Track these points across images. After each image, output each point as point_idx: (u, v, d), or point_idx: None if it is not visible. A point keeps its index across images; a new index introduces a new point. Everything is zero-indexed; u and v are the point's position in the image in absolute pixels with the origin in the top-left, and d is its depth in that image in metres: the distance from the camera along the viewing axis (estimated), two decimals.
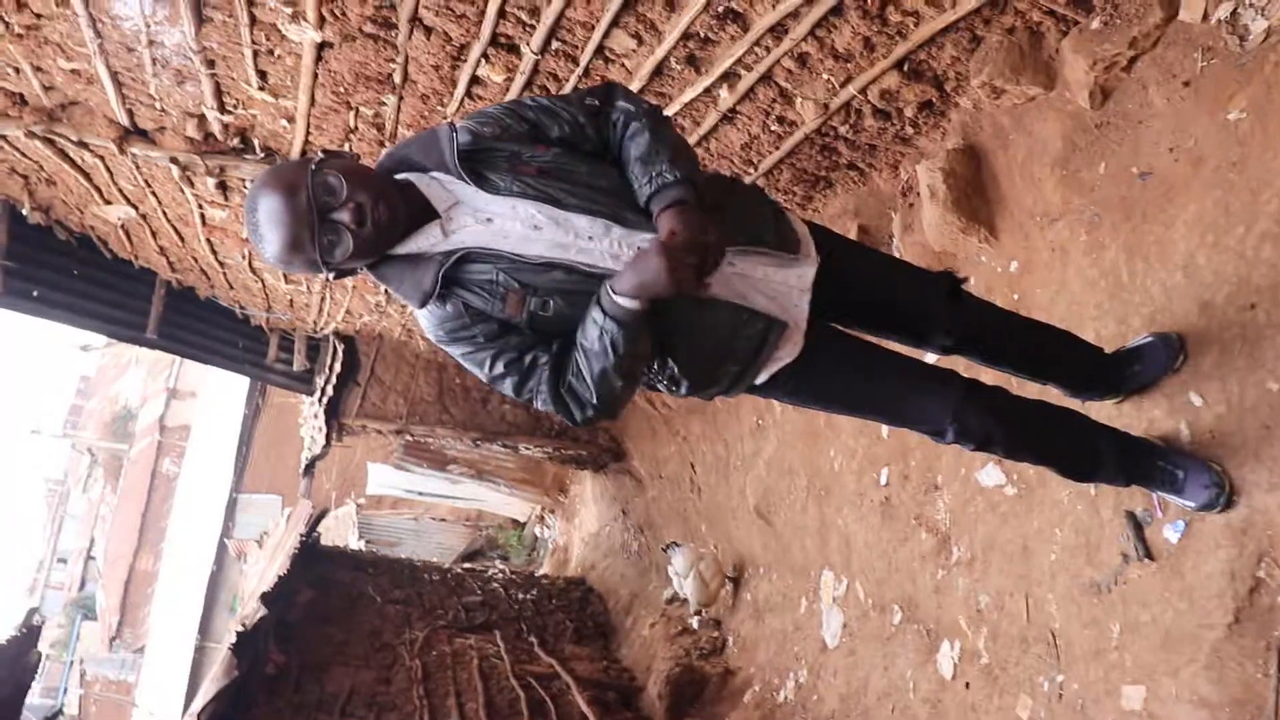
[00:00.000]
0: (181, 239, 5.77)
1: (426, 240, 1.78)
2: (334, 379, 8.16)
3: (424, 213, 1.80)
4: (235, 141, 4.36)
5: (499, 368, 1.83)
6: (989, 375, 2.41)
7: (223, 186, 4.71)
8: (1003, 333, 2.30)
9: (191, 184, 4.72)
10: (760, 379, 1.98)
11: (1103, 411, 2.67)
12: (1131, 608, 2.57)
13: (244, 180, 4.61)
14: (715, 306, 1.82)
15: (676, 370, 1.88)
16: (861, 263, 2.10)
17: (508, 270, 1.76)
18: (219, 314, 7.60)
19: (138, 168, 4.68)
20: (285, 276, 6.02)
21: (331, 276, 1.79)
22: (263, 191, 1.70)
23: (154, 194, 5.04)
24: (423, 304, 1.81)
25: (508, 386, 1.84)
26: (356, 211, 1.68)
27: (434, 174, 1.80)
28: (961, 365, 2.44)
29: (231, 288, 7.08)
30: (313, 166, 1.70)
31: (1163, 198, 2.71)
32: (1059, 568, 2.87)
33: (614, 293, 1.69)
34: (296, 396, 9.78)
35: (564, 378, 1.79)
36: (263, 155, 4.41)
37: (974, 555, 3.35)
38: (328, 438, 8.05)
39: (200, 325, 7.57)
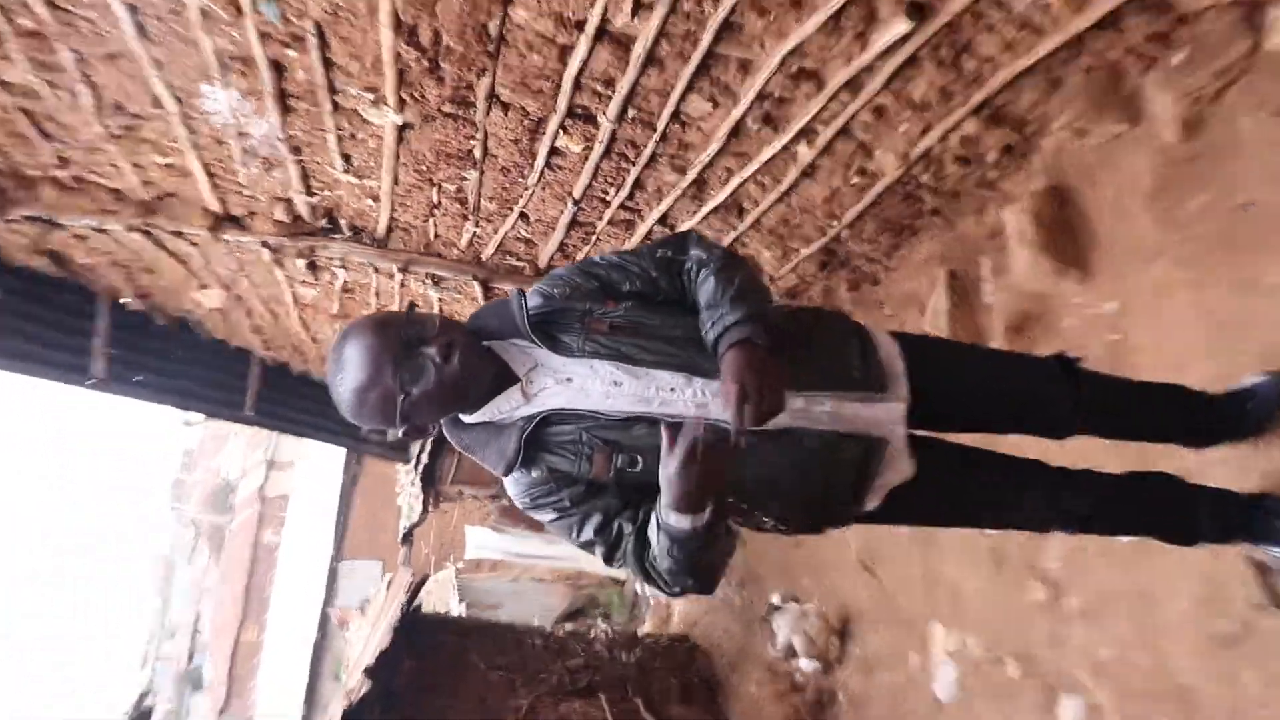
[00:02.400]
0: (275, 318, 5.75)
1: (508, 404, 1.76)
2: (429, 446, 8.12)
3: (504, 377, 1.78)
4: (323, 222, 4.35)
5: (587, 533, 1.78)
6: (1070, 453, 2.31)
7: (312, 266, 4.70)
8: (1123, 403, 2.24)
9: (282, 265, 4.71)
10: (871, 505, 1.89)
11: (1216, 457, 2.54)
12: (1269, 660, 2.46)
13: (332, 259, 4.57)
14: (803, 437, 1.74)
15: (774, 520, 1.82)
16: (966, 372, 2.02)
17: (591, 428, 1.72)
18: (313, 388, 7.37)
19: (231, 253, 4.68)
20: None
21: (402, 432, 1.72)
22: (352, 329, 1.69)
23: (247, 276, 5.03)
24: (508, 471, 1.77)
25: (597, 553, 1.80)
26: (446, 347, 1.66)
27: (511, 340, 1.78)
28: (1037, 450, 2.30)
29: (324, 362, 6.68)
30: (408, 311, 1.70)
31: (1267, 228, 2.64)
32: (1185, 618, 2.74)
33: (666, 510, 1.62)
34: (393, 464, 9.81)
35: (649, 552, 1.72)
36: (350, 234, 4.39)
37: (1091, 605, 3.23)
38: (425, 505, 8.01)
39: (296, 400, 7.40)
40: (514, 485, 1.78)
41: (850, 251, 4.17)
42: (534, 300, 1.78)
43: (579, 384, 1.71)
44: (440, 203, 4.01)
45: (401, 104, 3.33)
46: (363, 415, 1.64)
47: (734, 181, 3.62)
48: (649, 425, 1.68)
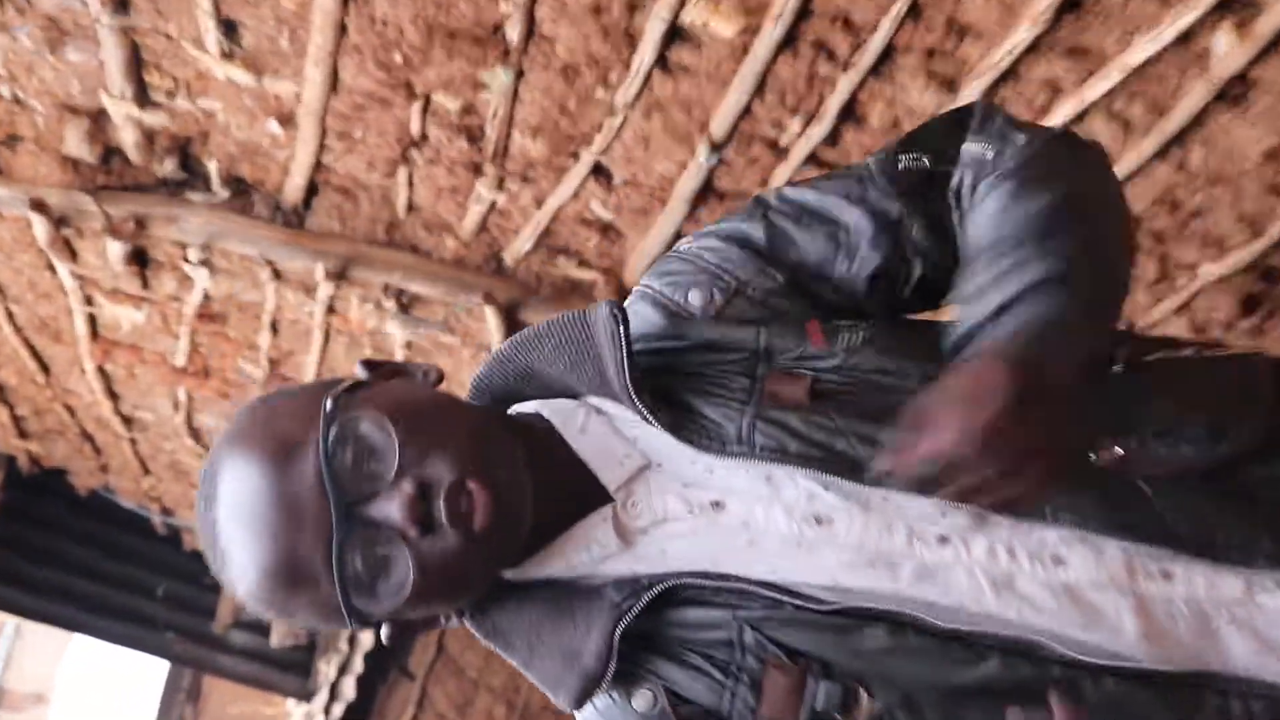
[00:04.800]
0: (44, 367, 4.46)
1: (584, 551, 1.16)
2: (357, 663, 5.81)
3: (578, 492, 1.17)
4: (167, 167, 3.14)
5: None
6: None
7: (140, 259, 3.46)
8: None
9: (73, 254, 3.50)
10: None
11: None
12: None
13: (184, 246, 3.35)
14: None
15: None
16: None
17: (763, 621, 1.12)
18: (115, 526, 5.77)
19: None
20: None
21: (374, 632, 1.22)
22: (229, 454, 1.10)
23: None
24: (580, 698, 1.15)
25: None
26: (415, 501, 1.05)
27: (591, 400, 1.19)
28: None
29: (147, 471, 5.36)
30: (331, 399, 1.08)
31: None
32: None
33: None
34: (269, 699, 6.91)
35: None
36: (226, 194, 3.18)
37: None
38: None
39: (75, 552, 5.69)
40: None
41: None
42: (643, 320, 1.21)
43: (736, 516, 1.14)
44: (425, 136, 2.81)
45: None
46: (295, 623, 1.19)
47: (1063, 105, 2.46)
48: (893, 630, 1.09)
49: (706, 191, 2.76)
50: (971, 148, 1.20)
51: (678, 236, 2.96)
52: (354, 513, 1.05)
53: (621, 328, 1.13)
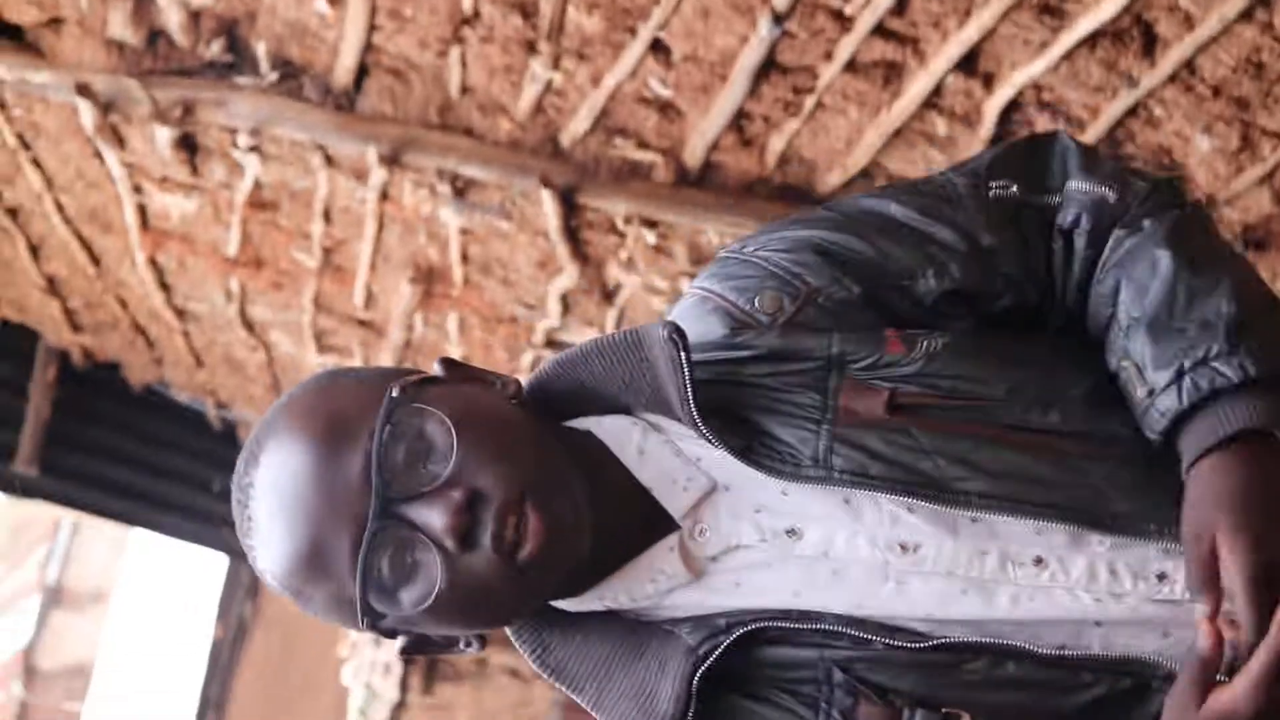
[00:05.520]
0: (95, 259, 4.47)
1: (650, 583, 1.12)
2: None
3: (641, 520, 1.12)
4: (214, 49, 3.13)
5: None
6: None
7: (188, 146, 3.44)
8: None
9: (120, 141, 3.48)
10: None
11: None
12: None
13: (233, 133, 3.34)
14: None
15: None
16: None
17: (854, 663, 1.09)
18: (171, 420, 5.79)
19: (6, 109, 3.55)
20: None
21: (397, 639, 1.13)
22: (282, 422, 1.07)
23: (36, 164, 3.85)
24: None
25: None
26: (462, 510, 1.00)
27: (647, 417, 1.14)
28: None
29: (201, 364, 5.32)
30: (398, 388, 1.04)
31: None
32: None
33: None
34: None
35: None
36: (275, 78, 3.16)
37: None
38: (403, 688, 5.75)
39: (130, 446, 5.69)
40: None
41: None
42: (704, 328, 1.15)
43: (819, 545, 1.10)
44: (478, 13, 2.78)
45: None
46: (310, 610, 1.09)
47: None
48: (995, 661, 1.07)
49: (769, 66, 2.70)
50: (1084, 186, 1.17)
51: (740, 115, 2.94)
52: (393, 510, 1.01)
53: (682, 354, 1.07)
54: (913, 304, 1.15)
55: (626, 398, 1.14)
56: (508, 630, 1.20)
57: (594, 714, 1.16)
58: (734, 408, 1.10)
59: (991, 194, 1.18)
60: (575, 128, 3.08)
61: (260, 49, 3.04)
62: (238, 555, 6.57)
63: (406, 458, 1.02)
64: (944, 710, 1.05)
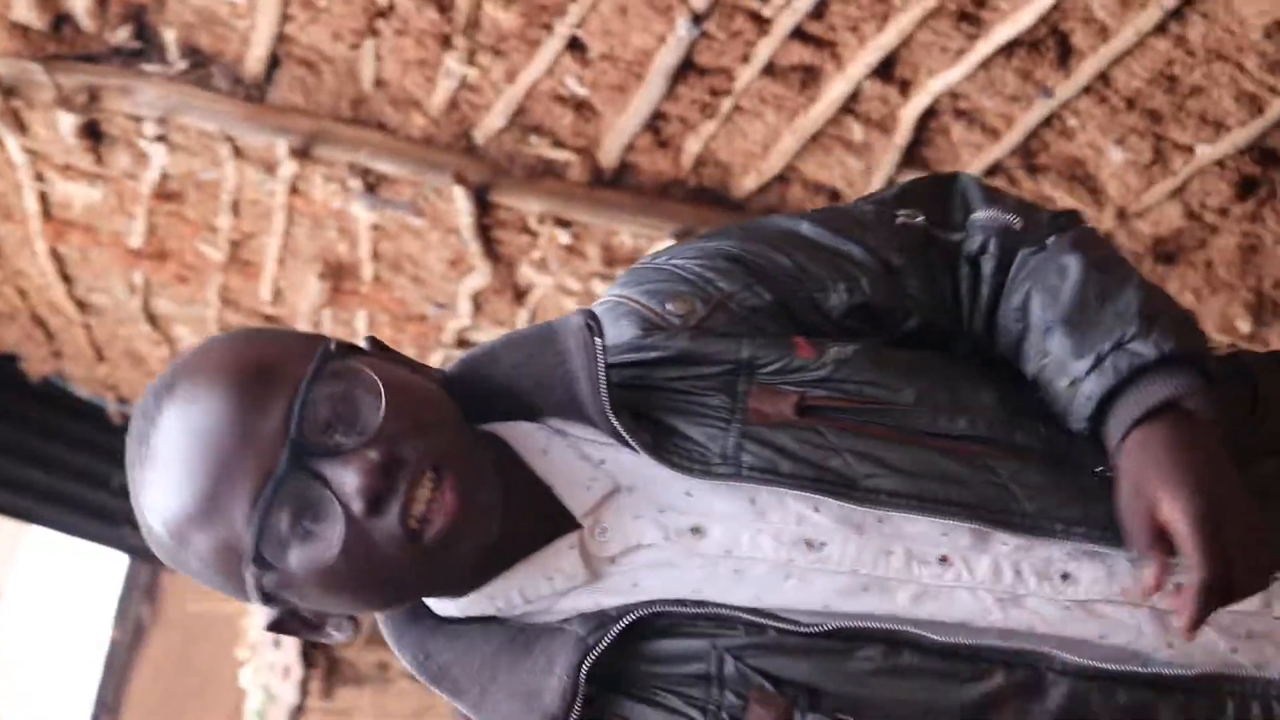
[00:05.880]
0: None
1: (545, 582, 1.11)
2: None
3: (539, 517, 1.11)
4: (121, 35, 3.09)
5: None
6: None
7: (93, 133, 3.40)
8: None
9: (22, 126, 3.43)
10: None
11: None
12: None
13: (139, 120, 3.28)
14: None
15: None
16: None
17: (745, 650, 1.07)
18: (69, 415, 5.71)
19: None
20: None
21: (269, 607, 1.07)
22: (194, 369, 1.04)
23: None
24: None
25: None
26: (376, 470, 0.97)
27: (551, 422, 1.14)
28: None
29: (102, 358, 5.26)
30: (332, 346, 1.05)
31: None
32: None
33: None
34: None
35: None
36: (184, 66, 3.11)
37: None
38: (303, 688, 5.57)
39: (26, 440, 5.64)
40: None
41: None
42: (620, 332, 1.15)
43: (722, 544, 1.09)
44: (393, 5, 2.76)
45: None
46: (186, 566, 1.06)
47: None
48: (888, 651, 1.06)
49: (686, 67, 2.70)
50: (989, 214, 1.21)
51: (656, 116, 2.94)
52: (306, 462, 0.99)
53: (597, 339, 1.07)
54: (822, 317, 1.16)
55: (535, 399, 1.13)
56: (386, 635, 1.19)
57: (475, 718, 1.15)
58: (642, 407, 1.10)
59: (899, 221, 1.21)
60: (490, 124, 3.04)
61: (169, 36, 2.98)
62: (138, 554, 6.51)
63: (330, 415, 1.00)
64: (836, 714, 1.05)
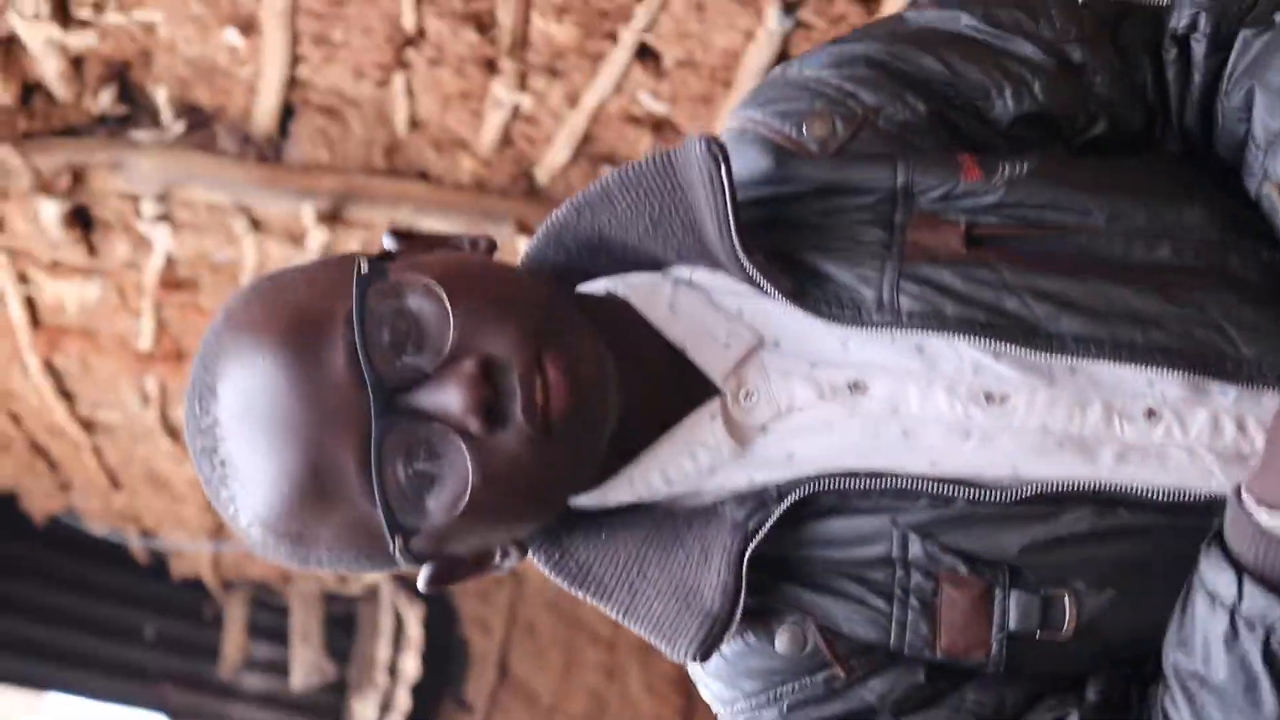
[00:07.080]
0: None
1: (687, 460, 1.06)
2: (401, 699, 5.41)
3: (668, 378, 1.07)
4: (104, 101, 2.93)
5: None
6: None
7: (81, 219, 3.21)
8: None
9: None
10: None
11: None
12: None
13: (135, 205, 3.14)
14: None
15: None
16: None
17: (933, 526, 1.03)
18: (85, 558, 5.34)
19: None
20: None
21: (413, 566, 1.05)
22: (231, 338, 0.99)
23: None
24: (705, 646, 1.04)
25: None
26: (479, 382, 0.94)
27: (678, 271, 1.10)
28: None
29: (118, 485, 4.95)
30: (363, 267, 0.98)
31: None
32: None
33: (1254, 512, 0.93)
34: None
35: None
36: (181, 127, 2.96)
37: None
38: None
39: (36, 594, 5.29)
40: (720, 682, 1.10)
41: None
42: (745, 162, 1.06)
43: (887, 401, 1.06)
44: (423, 30, 2.60)
45: None
46: (320, 563, 1.02)
47: None
48: (1100, 511, 1.03)
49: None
50: None
51: None
52: (397, 403, 0.95)
53: (723, 167, 1.00)
54: (987, 128, 1.09)
55: (653, 245, 1.08)
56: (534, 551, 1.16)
57: (627, 623, 1.09)
58: (782, 249, 1.06)
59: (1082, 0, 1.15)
60: (552, 159, 2.97)
61: (160, 95, 2.88)
62: (179, 715, 6.07)
63: (394, 339, 0.96)
64: (1042, 591, 1.02)
